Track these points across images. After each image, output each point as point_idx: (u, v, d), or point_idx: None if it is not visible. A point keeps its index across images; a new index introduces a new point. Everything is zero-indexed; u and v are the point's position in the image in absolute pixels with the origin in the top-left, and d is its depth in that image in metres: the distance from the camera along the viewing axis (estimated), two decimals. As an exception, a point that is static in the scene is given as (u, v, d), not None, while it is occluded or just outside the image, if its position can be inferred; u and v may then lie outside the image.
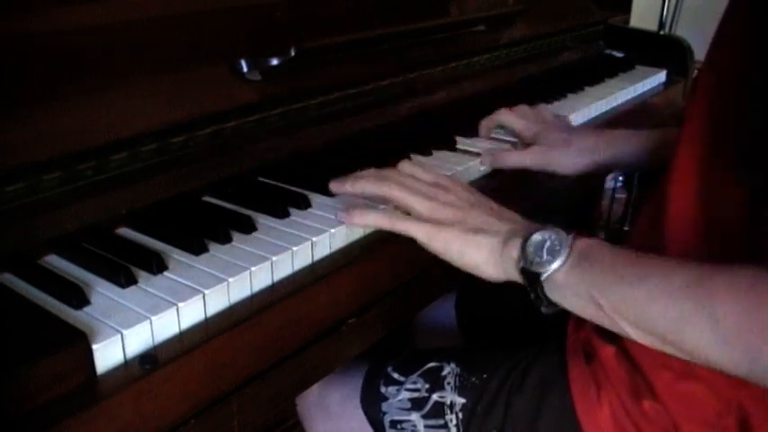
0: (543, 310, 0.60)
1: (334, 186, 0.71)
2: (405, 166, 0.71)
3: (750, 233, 0.57)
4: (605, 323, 0.57)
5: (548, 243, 0.58)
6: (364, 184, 0.68)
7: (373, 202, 0.70)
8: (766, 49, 0.53)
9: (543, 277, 0.58)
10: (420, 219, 0.65)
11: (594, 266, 0.56)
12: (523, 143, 0.89)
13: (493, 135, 0.94)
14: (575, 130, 0.92)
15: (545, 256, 0.58)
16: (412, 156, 0.84)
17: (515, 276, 0.61)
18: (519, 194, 0.88)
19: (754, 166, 0.57)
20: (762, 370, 0.47)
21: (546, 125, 0.89)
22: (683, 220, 0.63)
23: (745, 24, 0.58)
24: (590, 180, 1.12)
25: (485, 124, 0.93)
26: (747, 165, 0.57)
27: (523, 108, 0.93)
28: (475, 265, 0.63)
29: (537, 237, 0.59)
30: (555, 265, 0.57)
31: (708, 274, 0.50)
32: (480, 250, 0.62)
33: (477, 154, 0.87)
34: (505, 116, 0.91)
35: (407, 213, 0.66)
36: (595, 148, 0.86)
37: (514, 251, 0.60)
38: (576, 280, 0.57)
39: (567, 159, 0.85)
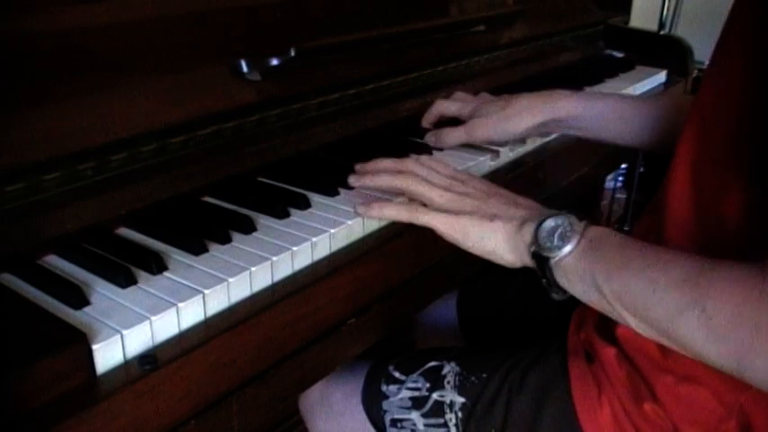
0: (554, 296, 0.62)
1: (353, 180, 0.72)
2: (423, 158, 0.73)
3: (747, 236, 0.57)
4: (606, 310, 0.58)
5: (560, 229, 0.60)
6: (384, 178, 0.70)
7: (384, 195, 0.71)
8: None
9: (552, 262, 0.59)
10: (438, 210, 0.66)
11: (601, 254, 0.58)
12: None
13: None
14: (509, 97, 0.90)
15: (556, 242, 0.59)
16: (412, 156, 0.84)
17: (528, 261, 0.62)
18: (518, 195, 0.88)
19: (760, 173, 0.57)
20: (750, 368, 0.48)
21: (483, 100, 0.90)
22: (679, 223, 0.63)
23: (748, 33, 0.58)
24: (590, 179, 1.12)
25: (426, 118, 0.93)
26: (750, 172, 0.57)
27: (459, 93, 0.94)
28: (492, 250, 0.65)
29: (550, 222, 0.60)
30: (565, 251, 0.59)
31: (705, 270, 0.51)
32: (497, 236, 0.64)
33: (488, 150, 0.87)
34: (440, 105, 0.91)
35: (424, 205, 0.68)
36: (531, 106, 0.86)
37: (528, 235, 0.62)
38: (582, 266, 0.58)
39: (506, 125, 0.85)
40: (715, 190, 0.60)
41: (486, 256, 0.66)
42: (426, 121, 0.94)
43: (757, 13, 0.56)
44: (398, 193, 0.71)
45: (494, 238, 0.64)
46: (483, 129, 0.86)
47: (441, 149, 0.88)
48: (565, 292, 0.61)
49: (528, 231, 0.62)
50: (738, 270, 0.49)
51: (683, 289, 0.51)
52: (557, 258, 0.59)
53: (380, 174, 0.71)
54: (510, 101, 0.87)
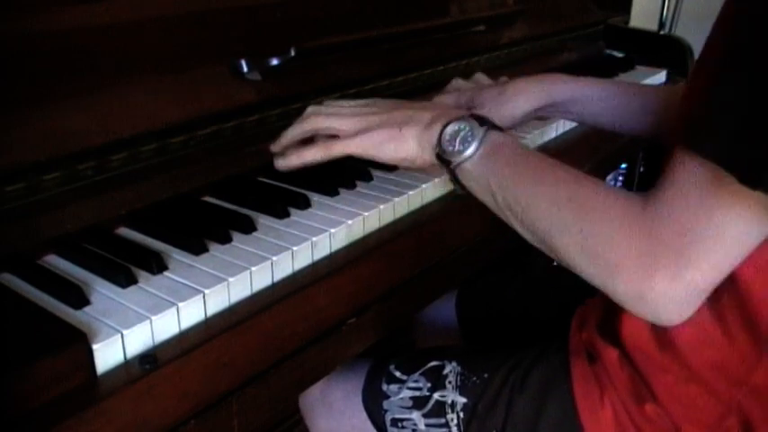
0: (457, 191, 0.66)
1: (280, 164, 0.72)
2: (326, 102, 0.74)
3: None
4: (498, 214, 0.62)
5: (462, 133, 0.63)
6: (292, 131, 0.71)
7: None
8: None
9: (452, 165, 0.63)
10: (349, 135, 0.68)
11: (498, 162, 0.61)
12: None
13: None
14: (505, 83, 0.90)
15: (457, 146, 0.63)
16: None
17: (433, 160, 0.66)
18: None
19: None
20: (615, 287, 0.53)
21: (478, 87, 0.89)
22: None
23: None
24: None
25: None
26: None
27: (455, 81, 0.93)
28: (405, 157, 0.67)
29: (453, 126, 0.64)
30: (464, 155, 0.62)
31: (591, 193, 0.55)
32: (408, 141, 0.67)
33: None
34: (437, 100, 0.90)
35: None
36: (526, 90, 0.86)
37: (433, 138, 0.65)
38: (480, 171, 0.62)
39: (502, 111, 0.85)
40: None
41: (404, 164, 0.69)
42: None
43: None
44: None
45: (405, 144, 0.67)
46: None
47: None
48: (467, 189, 0.64)
49: (434, 133, 0.65)
50: (622, 199, 0.53)
51: (567, 208, 0.56)
52: (457, 162, 0.63)
53: (303, 152, 0.70)
54: (506, 86, 0.87)
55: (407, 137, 0.67)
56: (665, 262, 0.50)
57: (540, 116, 0.91)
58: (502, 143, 0.63)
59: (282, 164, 0.70)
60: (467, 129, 0.63)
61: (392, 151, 0.67)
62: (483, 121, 0.64)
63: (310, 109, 0.72)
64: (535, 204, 0.58)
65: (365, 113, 0.70)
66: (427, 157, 0.66)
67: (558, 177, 0.58)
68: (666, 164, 0.51)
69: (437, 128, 0.65)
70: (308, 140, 0.72)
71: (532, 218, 0.58)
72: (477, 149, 0.62)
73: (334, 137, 0.70)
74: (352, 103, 0.72)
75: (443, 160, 0.64)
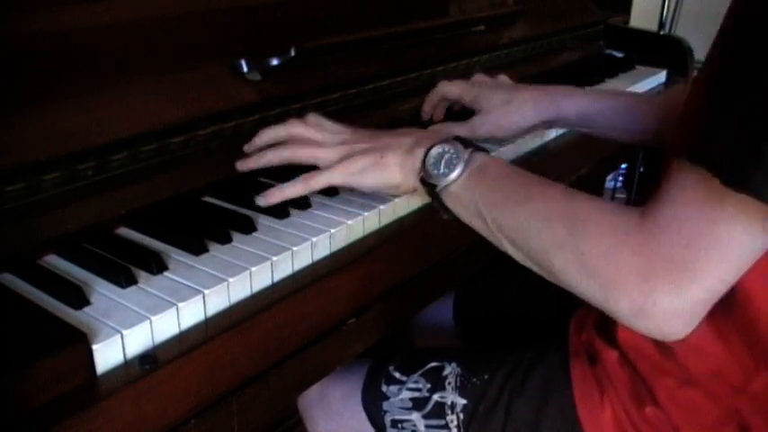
0: (444, 216, 0.64)
1: (240, 165, 0.70)
2: (308, 116, 0.72)
3: None
4: (488, 237, 0.61)
5: (446, 155, 0.62)
6: (268, 156, 0.69)
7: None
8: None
9: (438, 188, 0.62)
10: (331, 165, 0.66)
11: (485, 183, 0.60)
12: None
13: None
14: (515, 87, 0.90)
15: (442, 169, 0.62)
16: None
17: (419, 186, 0.64)
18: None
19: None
20: (614, 304, 0.51)
21: (484, 87, 0.88)
22: None
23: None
24: (590, 179, 1.12)
25: (427, 101, 0.91)
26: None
27: (478, 75, 0.93)
28: (390, 183, 0.66)
29: (437, 149, 0.62)
30: (450, 178, 0.61)
31: (584, 209, 0.54)
32: (390, 167, 0.65)
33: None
34: (442, 86, 0.90)
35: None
36: (537, 101, 0.85)
37: (417, 162, 0.64)
38: (467, 194, 0.60)
39: (505, 121, 0.84)
40: None
41: (388, 191, 0.68)
42: (428, 104, 0.92)
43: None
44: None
45: (387, 170, 0.65)
46: (487, 125, 0.85)
47: None
48: (453, 214, 0.63)
49: (417, 158, 0.64)
50: (619, 213, 0.52)
51: (561, 224, 0.54)
52: (442, 186, 0.61)
53: (265, 153, 0.69)
54: (514, 94, 0.86)
55: (390, 163, 0.65)
56: (668, 277, 0.48)
57: (548, 127, 0.90)
58: (488, 164, 0.62)
59: (264, 201, 0.67)
60: (451, 151, 0.62)
61: (374, 179, 0.66)
62: (467, 144, 0.63)
63: (291, 128, 0.70)
64: (527, 223, 0.56)
65: (344, 141, 0.68)
66: (411, 182, 0.65)
67: (549, 194, 0.57)
68: (664, 175, 0.50)
69: (420, 151, 0.64)
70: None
71: (525, 237, 0.57)
72: (462, 171, 0.61)
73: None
74: (333, 126, 0.70)
75: (428, 184, 0.63)
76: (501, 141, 0.88)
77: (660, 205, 0.49)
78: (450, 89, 0.89)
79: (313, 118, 0.71)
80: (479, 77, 0.92)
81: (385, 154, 0.66)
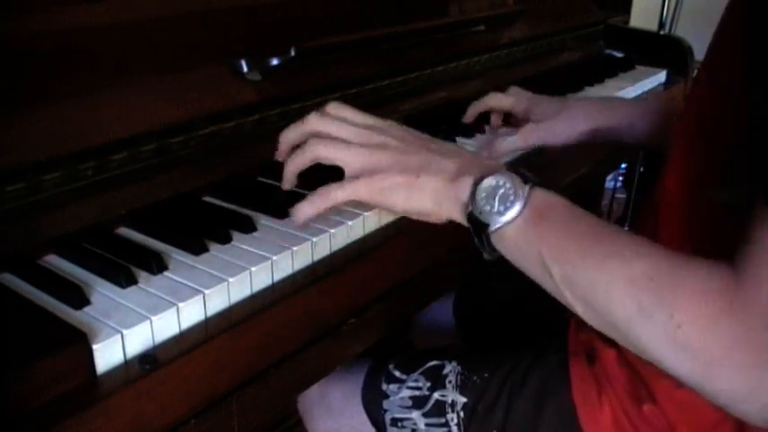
0: (486, 256, 0.55)
1: (278, 156, 0.64)
2: (330, 107, 0.63)
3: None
4: (549, 289, 0.53)
5: (501, 190, 0.52)
6: (295, 160, 0.61)
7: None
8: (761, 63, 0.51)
9: (491, 229, 0.53)
10: (354, 174, 0.58)
11: (550, 229, 0.51)
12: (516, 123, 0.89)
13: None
14: (565, 100, 0.91)
15: (496, 206, 0.52)
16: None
17: (461, 220, 0.56)
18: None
19: (727, 180, 0.56)
20: (715, 383, 0.44)
21: (536, 98, 0.89)
22: (673, 221, 0.63)
23: (738, 40, 0.55)
24: (590, 179, 1.12)
25: (471, 110, 0.91)
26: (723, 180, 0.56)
27: (514, 88, 0.92)
28: (419, 210, 0.57)
29: (490, 181, 0.53)
30: (506, 218, 0.52)
31: (674, 269, 0.46)
32: (424, 193, 0.56)
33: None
34: (494, 98, 0.90)
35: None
36: (587, 111, 0.86)
37: (463, 193, 0.54)
38: (526, 239, 0.52)
39: (558, 129, 0.85)
40: (703, 201, 0.60)
41: (418, 217, 0.59)
42: (471, 113, 0.90)
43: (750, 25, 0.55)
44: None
45: (420, 195, 0.56)
46: (538, 133, 0.84)
47: None
48: (499, 253, 0.55)
49: (464, 188, 0.54)
50: (710, 274, 0.45)
51: (649, 289, 0.46)
52: (497, 226, 0.52)
53: (288, 163, 0.62)
54: (565, 105, 0.87)
55: (424, 188, 0.56)
56: None
57: (593, 139, 0.88)
58: (551, 204, 0.52)
59: (292, 225, 0.61)
60: (507, 185, 0.52)
61: (402, 201, 0.57)
62: (524, 176, 0.54)
63: (314, 123, 0.62)
64: (607, 284, 0.48)
65: (376, 145, 0.58)
66: (446, 213, 0.56)
67: (629, 250, 0.48)
68: (751, 225, 0.44)
69: (467, 182, 0.54)
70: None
71: (604, 303, 0.48)
72: (521, 211, 0.51)
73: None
74: (361, 118, 0.61)
75: (478, 223, 0.53)
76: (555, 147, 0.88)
77: (757, 261, 0.43)
78: (502, 101, 0.89)
79: (333, 109, 0.62)
80: (515, 90, 0.92)
81: (422, 174, 0.56)
